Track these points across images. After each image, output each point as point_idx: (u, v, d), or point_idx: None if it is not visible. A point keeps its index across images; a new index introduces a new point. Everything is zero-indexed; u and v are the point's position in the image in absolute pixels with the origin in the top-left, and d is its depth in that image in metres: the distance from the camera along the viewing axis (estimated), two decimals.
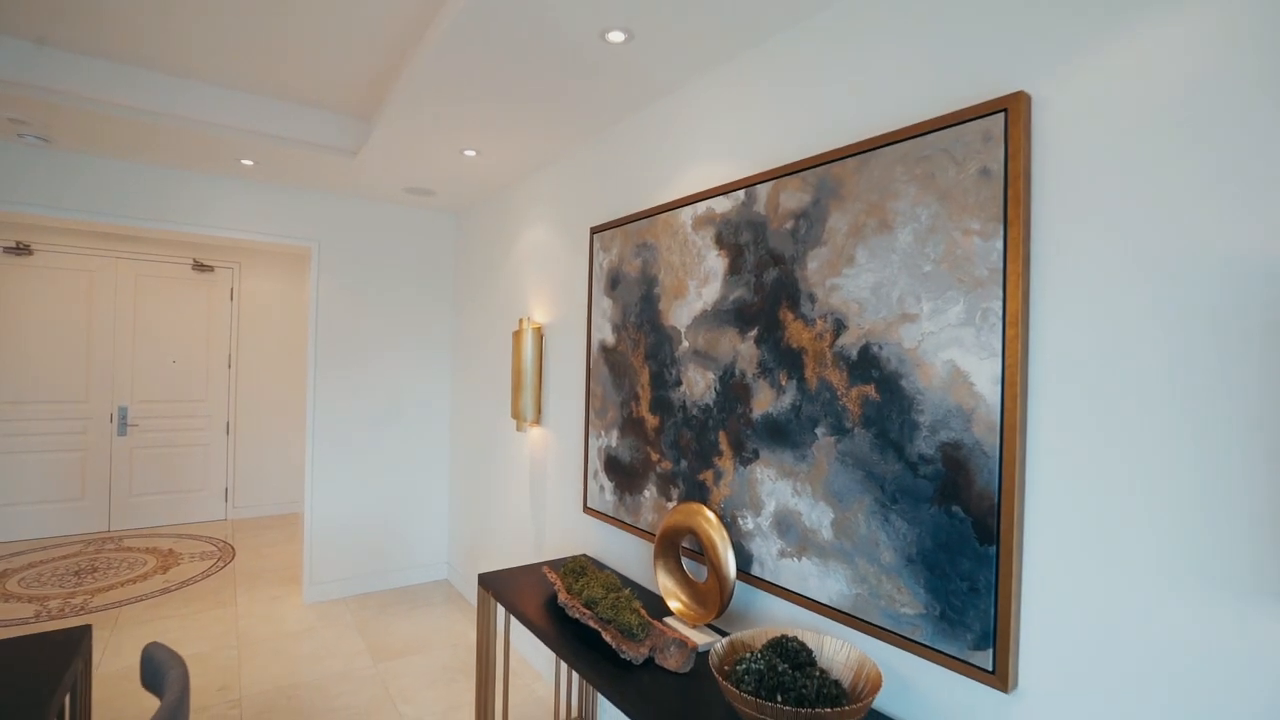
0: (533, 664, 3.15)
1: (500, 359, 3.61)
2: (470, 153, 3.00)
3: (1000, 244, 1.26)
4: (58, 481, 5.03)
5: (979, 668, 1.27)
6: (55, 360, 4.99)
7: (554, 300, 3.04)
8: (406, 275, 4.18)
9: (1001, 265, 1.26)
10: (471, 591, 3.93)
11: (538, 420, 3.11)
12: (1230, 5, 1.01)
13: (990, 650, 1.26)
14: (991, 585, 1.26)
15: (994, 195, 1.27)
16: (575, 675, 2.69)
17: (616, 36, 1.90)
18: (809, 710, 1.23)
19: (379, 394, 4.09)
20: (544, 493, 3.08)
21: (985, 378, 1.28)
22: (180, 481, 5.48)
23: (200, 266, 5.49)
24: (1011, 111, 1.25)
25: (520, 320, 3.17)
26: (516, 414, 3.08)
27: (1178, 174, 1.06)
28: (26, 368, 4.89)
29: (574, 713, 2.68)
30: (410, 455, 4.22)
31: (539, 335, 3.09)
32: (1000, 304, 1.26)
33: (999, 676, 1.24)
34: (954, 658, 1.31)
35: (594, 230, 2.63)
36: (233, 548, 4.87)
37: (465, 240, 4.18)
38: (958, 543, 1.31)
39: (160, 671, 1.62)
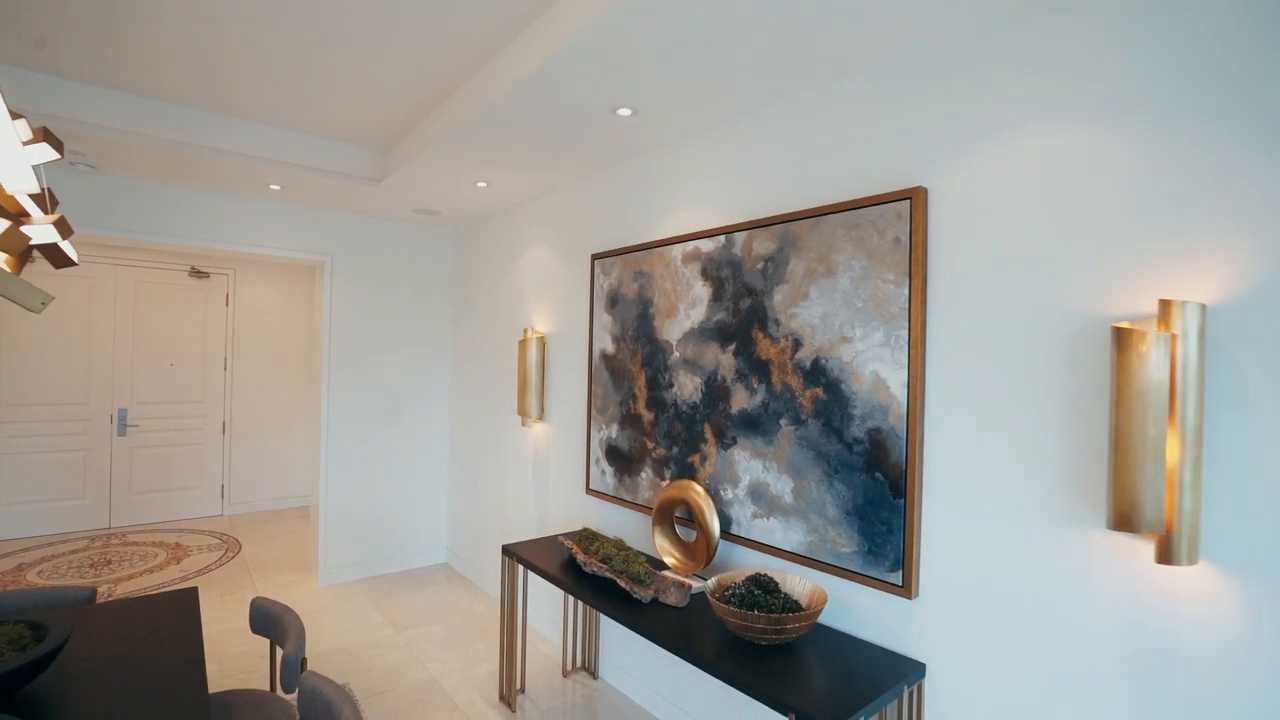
0: (539, 629, 3.63)
1: (502, 362, 4.07)
2: (482, 184, 3.46)
3: (906, 291, 1.82)
4: (59, 481, 5.24)
5: (893, 584, 1.83)
6: (56, 364, 5.19)
7: (556, 313, 3.52)
8: (410, 285, 4.58)
9: (908, 305, 1.82)
10: (472, 571, 4.38)
11: (541, 417, 3.59)
12: (1059, 136, 1.58)
13: (900, 571, 1.82)
14: (901, 526, 1.82)
15: (903, 257, 1.83)
16: (578, 633, 3.17)
17: (625, 112, 2.40)
18: (776, 615, 1.77)
19: (384, 394, 4.48)
20: (547, 479, 3.56)
21: (897, 383, 1.84)
22: (178, 479, 5.72)
23: (197, 273, 5.74)
24: (915, 199, 1.81)
25: (525, 330, 3.64)
26: (522, 411, 3.55)
27: (1021, 248, 1.63)
28: (29, 371, 5.08)
29: (578, 663, 3.17)
30: (413, 450, 4.63)
31: (542, 343, 3.57)
32: (906, 332, 1.82)
33: (906, 589, 1.80)
34: (876, 579, 1.87)
35: (595, 256, 3.12)
36: (238, 541, 5.17)
37: (465, 254, 4.61)
38: (879, 498, 1.87)
39: (273, 617, 2.05)
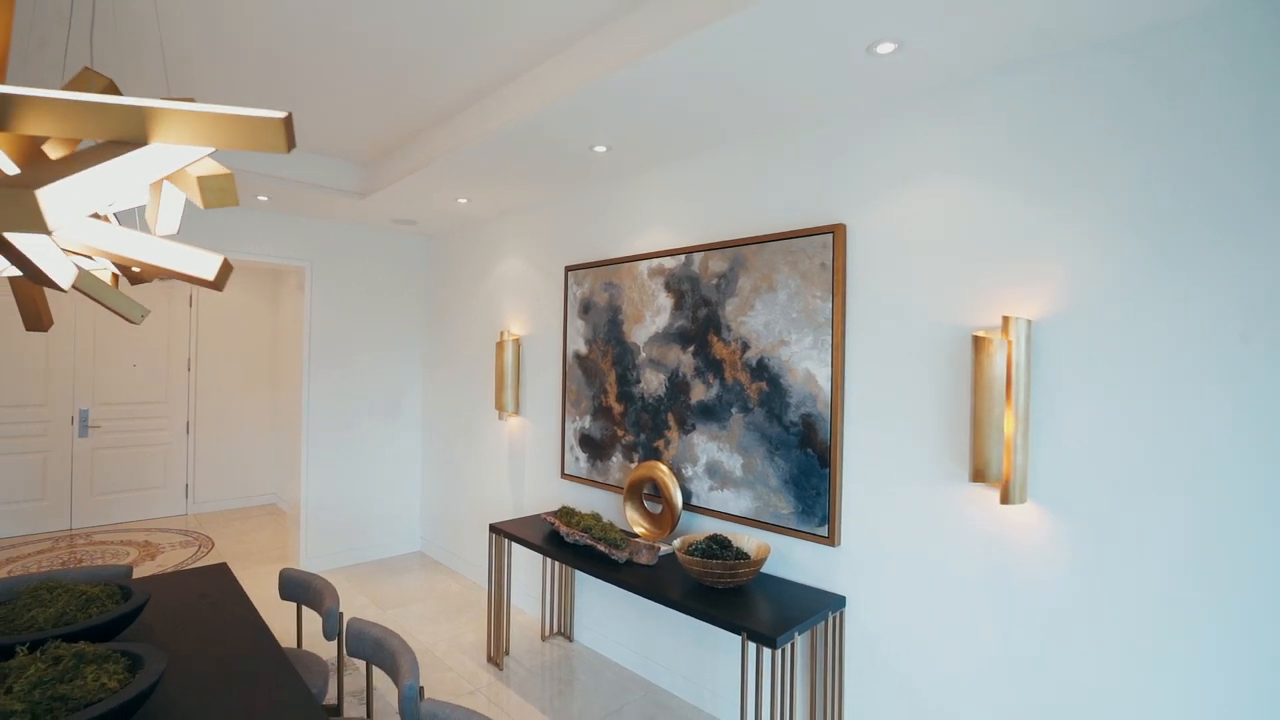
0: (516, 604, 4.00)
1: (477, 362, 4.41)
2: (462, 200, 3.80)
3: (831, 305, 2.31)
4: (18, 482, 5.22)
5: (821, 536, 2.32)
6: (15, 365, 5.18)
7: (530, 318, 3.90)
8: (385, 289, 4.85)
9: (831, 316, 2.31)
10: (446, 556, 4.70)
11: (517, 411, 3.96)
12: (939, 190, 2.10)
13: (826, 526, 2.31)
14: (827, 490, 2.31)
15: (828, 278, 2.32)
16: (554, 603, 3.57)
17: (600, 149, 2.82)
18: (730, 562, 2.24)
19: (361, 393, 4.74)
20: (522, 466, 3.94)
21: (823, 377, 2.33)
22: (142, 480, 5.77)
23: None
24: (837, 233, 2.30)
25: (501, 333, 4.00)
26: (499, 406, 3.91)
27: (914, 274, 2.14)
28: None
29: (555, 629, 3.57)
30: (388, 444, 4.90)
31: (517, 345, 3.94)
32: (830, 337, 2.31)
33: (830, 539, 2.30)
34: (808, 533, 2.36)
35: (568, 268, 3.53)
36: (209, 538, 5.30)
37: (440, 261, 4.91)
38: (810, 469, 2.36)
39: (303, 583, 2.38)
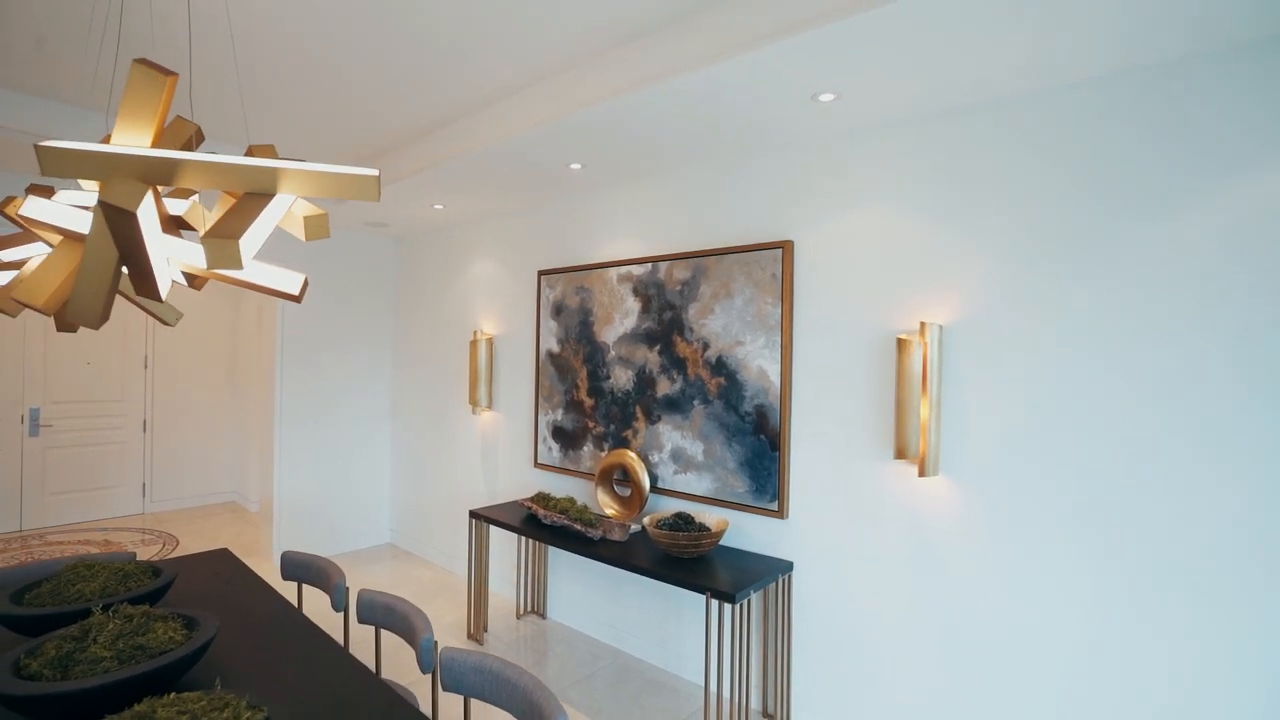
0: (491, 586, 4.23)
1: (449, 360, 4.61)
2: (439, 206, 4.01)
3: (779, 310, 2.67)
4: None
5: (771, 510, 2.68)
6: None
7: (504, 318, 4.14)
8: (356, 289, 4.98)
9: (780, 320, 2.67)
10: (417, 546, 4.88)
11: (490, 406, 4.20)
12: (873, 215, 2.48)
13: (776, 501, 2.67)
14: (776, 471, 2.67)
15: (778, 287, 2.68)
16: (528, 584, 3.83)
17: (576, 166, 3.10)
18: (694, 534, 2.57)
19: (331, 391, 4.87)
20: (496, 458, 4.18)
21: (774, 373, 2.69)
22: (96, 479, 5.69)
23: None
24: (785, 249, 2.66)
25: (474, 332, 4.23)
26: (473, 401, 4.14)
27: (850, 284, 2.51)
28: None
29: (529, 608, 3.84)
30: (358, 440, 5.04)
31: (490, 344, 4.18)
32: (779, 338, 2.67)
33: (780, 512, 2.66)
34: (761, 508, 2.72)
35: (541, 272, 3.79)
36: (173, 535, 5.31)
37: (410, 263, 5.07)
38: (762, 453, 2.72)
39: (304, 564, 2.58)
